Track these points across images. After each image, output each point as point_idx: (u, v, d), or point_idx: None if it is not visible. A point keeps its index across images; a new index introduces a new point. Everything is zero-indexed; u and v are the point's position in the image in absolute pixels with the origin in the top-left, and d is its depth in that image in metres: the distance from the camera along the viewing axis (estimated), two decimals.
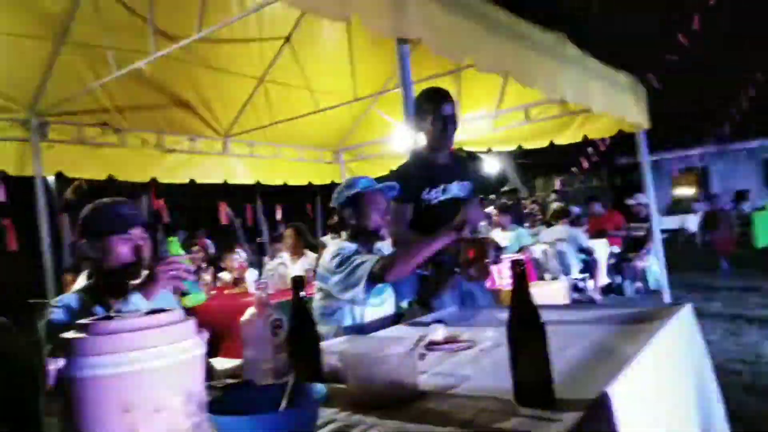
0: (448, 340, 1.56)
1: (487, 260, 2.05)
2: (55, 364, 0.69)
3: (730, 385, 3.56)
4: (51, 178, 4.74)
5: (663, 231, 7.40)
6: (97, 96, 4.40)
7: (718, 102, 11.86)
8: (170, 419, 0.71)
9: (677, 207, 15.81)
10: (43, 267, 4.34)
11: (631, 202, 7.89)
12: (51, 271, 4.33)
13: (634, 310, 1.87)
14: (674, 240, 13.19)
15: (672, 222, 13.83)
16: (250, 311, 1.28)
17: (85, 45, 4.01)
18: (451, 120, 2.43)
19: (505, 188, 12.10)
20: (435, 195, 2.37)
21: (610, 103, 4.37)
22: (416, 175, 2.40)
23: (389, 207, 2.21)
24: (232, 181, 5.78)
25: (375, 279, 1.97)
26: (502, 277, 5.34)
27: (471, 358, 1.44)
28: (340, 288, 2.02)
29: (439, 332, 1.60)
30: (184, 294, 1.58)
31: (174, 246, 1.60)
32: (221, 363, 2.60)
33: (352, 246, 2.11)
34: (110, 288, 1.56)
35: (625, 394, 1.13)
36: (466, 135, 5.91)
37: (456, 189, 2.42)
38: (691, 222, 13.95)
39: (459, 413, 1.04)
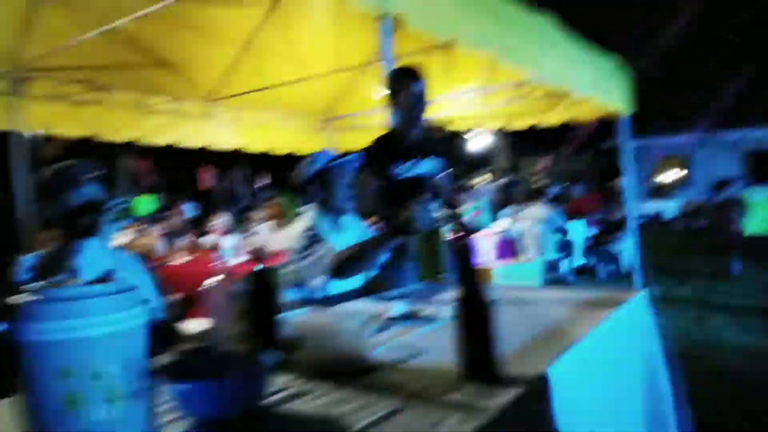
0: (409, 315, 1.61)
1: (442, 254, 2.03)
2: (2, 326, 0.73)
3: (693, 372, 3.70)
4: (31, 134, 4.68)
5: (641, 216, 7.49)
6: (80, 53, 4.32)
7: (705, 92, 12.00)
8: (108, 385, 0.74)
9: (659, 192, 16.07)
10: (18, 223, 4.32)
11: (611, 185, 8.01)
12: (27, 228, 4.31)
13: (592, 294, 1.94)
14: (652, 225, 13.45)
15: (652, 207, 14.08)
16: (214, 279, 1.31)
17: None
18: (421, 98, 2.47)
19: (504, 166, 12.15)
20: (403, 170, 2.42)
21: (594, 87, 4.40)
22: (386, 149, 2.46)
23: (355, 180, 2.24)
24: (214, 145, 5.74)
25: (332, 276, 2.00)
26: (482, 254, 5.43)
27: (428, 333, 1.49)
28: (303, 273, 2.05)
29: (400, 307, 1.65)
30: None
31: (142, 204, 1.64)
32: (191, 325, 2.64)
33: (317, 227, 2.11)
34: (71, 241, 1.59)
35: (566, 374, 1.19)
36: (454, 111, 5.91)
37: (425, 166, 2.47)
38: (670, 208, 14.22)
39: (407, 385, 1.09)
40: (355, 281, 2.15)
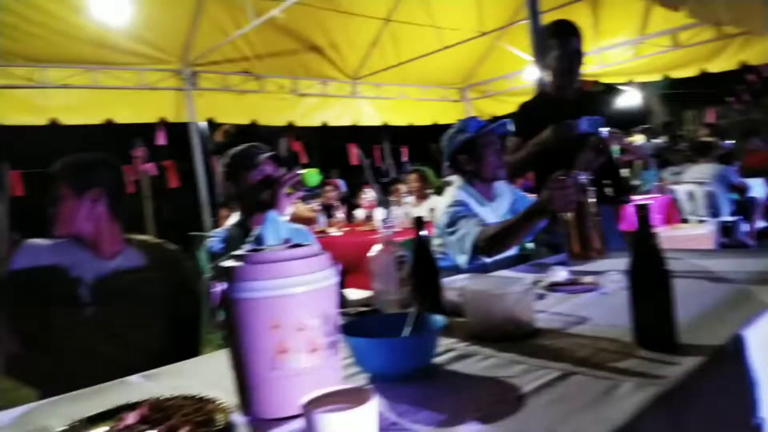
0: (570, 282, 1.57)
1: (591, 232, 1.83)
2: (218, 287, 0.85)
3: None
4: (203, 123, 5.27)
5: None
6: (239, 45, 4.73)
7: None
8: (310, 336, 0.84)
9: None
10: (199, 203, 4.91)
11: None
12: (207, 206, 4.89)
13: None
14: None
15: None
16: (377, 248, 1.39)
17: None
18: (576, 55, 2.33)
19: (664, 121, 11.06)
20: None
21: None
22: (541, 112, 2.36)
23: (505, 144, 2.18)
24: (360, 122, 5.98)
25: (478, 253, 1.95)
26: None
27: (592, 300, 1.44)
28: (449, 248, 2.05)
29: (561, 274, 1.61)
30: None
31: (310, 177, 1.77)
32: (352, 293, 2.82)
33: (462, 202, 2.07)
34: (252, 214, 1.79)
35: (760, 342, 1.08)
36: (604, 65, 5.52)
37: (584, 125, 2.33)
38: None
39: (574, 351, 1.07)
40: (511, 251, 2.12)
